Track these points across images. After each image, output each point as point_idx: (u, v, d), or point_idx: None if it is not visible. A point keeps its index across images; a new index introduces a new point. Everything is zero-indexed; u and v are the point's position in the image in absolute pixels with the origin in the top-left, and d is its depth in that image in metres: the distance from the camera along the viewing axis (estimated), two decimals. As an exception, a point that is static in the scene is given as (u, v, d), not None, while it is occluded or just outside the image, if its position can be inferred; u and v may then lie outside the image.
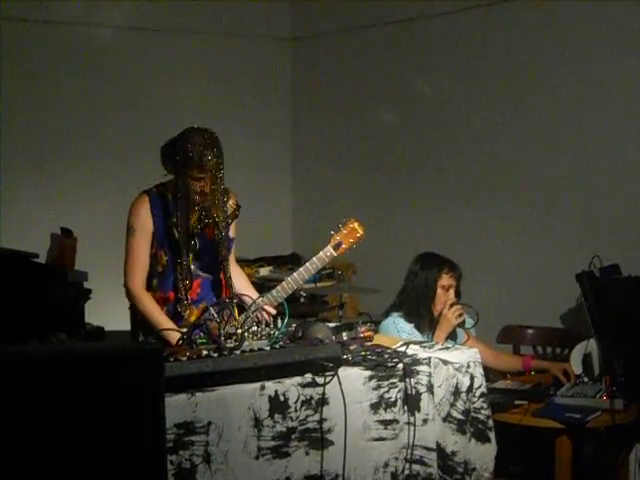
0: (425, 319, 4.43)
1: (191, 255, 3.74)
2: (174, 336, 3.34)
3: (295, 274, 3.85)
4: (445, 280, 4.48)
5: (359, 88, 7.04)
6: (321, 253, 3.87)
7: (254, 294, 3.87)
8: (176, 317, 3.75)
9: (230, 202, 3.86)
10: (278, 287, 3.85)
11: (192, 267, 3.77)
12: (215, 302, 3.63)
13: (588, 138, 5.64)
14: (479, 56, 6.22)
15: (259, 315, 3.57)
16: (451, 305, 4.43)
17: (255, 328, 3.19)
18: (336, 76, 7.24)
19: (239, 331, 3.12)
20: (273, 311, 3.71)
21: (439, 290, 4.47)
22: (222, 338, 3.09)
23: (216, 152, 3.63)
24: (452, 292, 4.49)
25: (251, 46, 7.33)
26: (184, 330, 3.27)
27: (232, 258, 3.95)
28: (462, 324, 4.46)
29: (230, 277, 3.83)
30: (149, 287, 3.78)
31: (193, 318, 3.70)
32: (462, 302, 4.50)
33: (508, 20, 6.04)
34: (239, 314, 3.66)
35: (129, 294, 3.77)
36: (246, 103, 7.22)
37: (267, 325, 3.24)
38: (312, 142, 7.49)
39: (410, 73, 6.69)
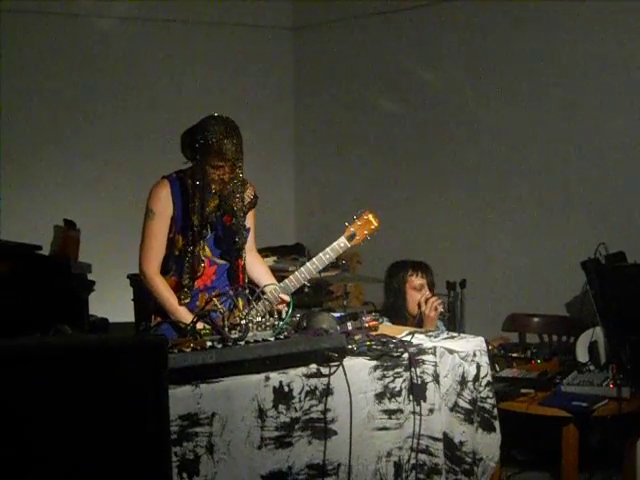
0: (408, 322, 4.52)
1: (203, 242, 3.72)
2: (188, 320, 3.34)
3: (308, 264, 3.80)
4: (414, 281, 4.67)
5: (361, 77, 7.01)
6: (335, 244, 3.82)
7: (274, 282, 3.84)
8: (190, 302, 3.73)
9: (248, 192, 3.84)
10: (291, 277, 3.81)
11: (209, 254, 3.75)
12: (220, 292, 3.60)
13: (594, 126, 5.61)
14: (481, 44, 6.19)
15: (272, 304, 3.54)
16: (426, 301, 4.57)
17: (260, 319, 3.17)
18: (339, 65, 7.20)
19: (243, 322, 3.10)
20: (287, 298, 3.69)
21: (411, 292, 4.65)
22: (226, 329, 3.07)
23: (236, 141, 3.60)
24: (425, 289, 4.65)
25: (254, 35, 7.30)
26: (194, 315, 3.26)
27: (252, 246, 3.93)
28: (442, 314, 4.59)
29: (245, 265, 3.81)
30: (166, 271, 3.75)
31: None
32: (436, 294, 4.66)
33: (510, 9, 6.00)
34: (255, 303, 3.62)
35: (143, 277, 3.74)
36: (249, 92, 7.20)
37: (273, 315, 3.22)
38: (315, 132, 7.47)
39: (412, 61, 6.66)
